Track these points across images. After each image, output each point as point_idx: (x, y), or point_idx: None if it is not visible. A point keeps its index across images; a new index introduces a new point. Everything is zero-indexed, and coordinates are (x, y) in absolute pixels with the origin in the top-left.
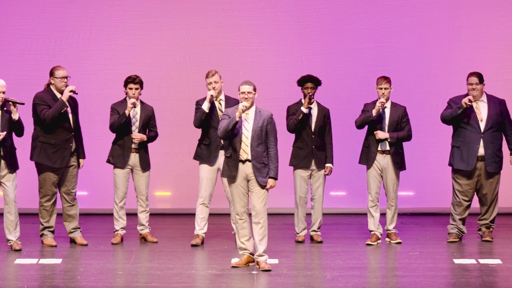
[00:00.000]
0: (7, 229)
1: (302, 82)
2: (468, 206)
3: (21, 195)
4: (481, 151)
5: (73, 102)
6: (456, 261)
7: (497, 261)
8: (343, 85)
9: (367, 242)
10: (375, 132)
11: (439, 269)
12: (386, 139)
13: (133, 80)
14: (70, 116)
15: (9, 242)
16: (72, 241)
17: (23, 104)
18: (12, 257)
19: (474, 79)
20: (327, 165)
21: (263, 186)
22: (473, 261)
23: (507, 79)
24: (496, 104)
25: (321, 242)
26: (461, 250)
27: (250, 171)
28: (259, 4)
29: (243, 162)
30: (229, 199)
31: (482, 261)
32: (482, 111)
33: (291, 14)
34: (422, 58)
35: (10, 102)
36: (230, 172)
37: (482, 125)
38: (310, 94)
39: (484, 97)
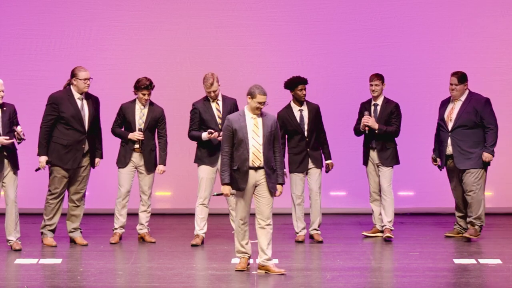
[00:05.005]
0: (7, 229)
1: (295, 84)
2: (462, 203)
3: (21, 195)
4: (450, 149)
5: (94, 103)
6: (456, 261)
7: (497, 261)
8: (343, 85)
9: (363, 232)
10: (366, 118)
11: (439, 269)
12: (374, 130)
13: (147, 87)
14: (86, 118)
15: (9, 242)
16: (72, 241)
17: (23, 140)
18: (12, 257)
19: (454, 79)
20: (327, 162)
21: (271, 192)
22: (473, 261)
23: (507, 79)
24: (472, 102)
25: (321, 242)
26: (461, 250)
27: (262, 177)
28: (259, 4)
29: (256, 169)
30: (227, 197)
31: (482, 261)
32: (455, 110)
33: (291, 14)
34: (422, 58)
35: (15, 133)
36: (238, 185)
37: (450, 125)
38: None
39: (464, 96)
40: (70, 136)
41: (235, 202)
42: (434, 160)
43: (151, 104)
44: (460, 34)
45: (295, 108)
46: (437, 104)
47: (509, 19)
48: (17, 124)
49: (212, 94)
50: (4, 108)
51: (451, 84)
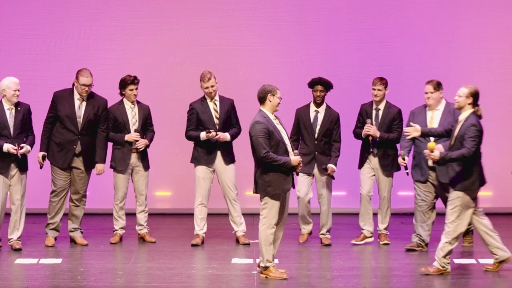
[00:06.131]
0: (10, 228)
1: (312, 84)
2: (429, 208)
3: None
4: (431, 162)
5: (96, 105)
6: (456, 261)
7: None
8: (343, 85)
9: (352, 241)
10: (368, 127)
11: None
12: (375, 138)
13: (133, 81)
14: (81, 119)
15: (10, 241)
16: (72, 241)
17: (18, 155)
18: (12, 257)
19: (429, 87)
20: (328, 165)
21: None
22: (473, 261)
23: (507, 79)
24: (451, 113)
25: (329, 245)
26: (461, 250)
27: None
28: (259, 4)
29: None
30: (225, 198)
31: (482, 261)
32: (434, 120)
33: (291, 14)
34: (422, 58)
35: (19, 149)
36: (283, 187)
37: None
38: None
39: (441, 106)
40: (63, 135)
41: (265, 209)
42: (403, 158)
43: (138, 102)
44: (460, 34)
45: (312, 108)
46: None
47: (509, 19)
48: (30, 125)
49: (210, 89)
50: (19, 108)
51: (426, 93)
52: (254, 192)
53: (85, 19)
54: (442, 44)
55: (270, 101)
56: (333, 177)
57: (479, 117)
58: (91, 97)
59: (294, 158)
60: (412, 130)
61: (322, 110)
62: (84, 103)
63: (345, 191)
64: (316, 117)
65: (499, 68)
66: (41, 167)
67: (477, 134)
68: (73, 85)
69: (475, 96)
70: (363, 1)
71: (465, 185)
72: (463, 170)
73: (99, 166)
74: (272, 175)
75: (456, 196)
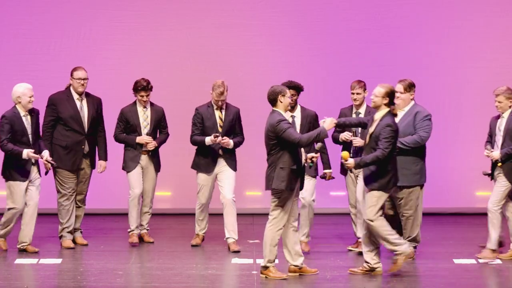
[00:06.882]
0: (28, 232)
1: None
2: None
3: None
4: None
5: (95, 103)
6: (456, 261)
7: (497, 261)
8: (344, 85)
9: (348, 247)
10: (354, 143)
11: (439, 269)
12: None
13: (144, 88)
14: (85, 119)
15: (23, 245)
16: (72, 241)
17: (54, 165)
18: (12, 257)
19: (399, 87)
20: (325, 171)
21: None
22: (473, 261)
23: (507, 79)
24: (412, 115)
25: (307, 252)
26: (461, 250)
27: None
28: (259, 4)
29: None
30: (222, 201)
31: (482, 261)
32: (396, 119)
33: (291, 14)
34: (421, 58)
35: (47, 162)
36: (292, 185)
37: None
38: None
39: (408, 107)
40: (69, 137)
41: (277, 211)
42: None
43: (151, 104)
44: (460, 34)
45: (288, 114)
46: (438, 104)
47: (509, 19)
48: (39, 129)
49: (220, 103)
50: (33, 114)
51: (396, 92)
52: (266, 189)
53: (85, 19)
54: (442, 44)
55: (281, 102)
56: (333, 177)
57: (395, 115)
58: (87, 96)
59: (328, 121)
60: (329, 122)
61: (297, 113)
62: (84, 103)
63: (345, 191)
64: (293, 122)
65: (499, 68)
66: (46, 173)
67: (392, 135)
68: (67, 88)
69: (391, 96)
70: (363, 1)
71: (381, 183)
72: (378, 169)
73: (103, 163)
74: (287, 172)
75: (372, 196)
